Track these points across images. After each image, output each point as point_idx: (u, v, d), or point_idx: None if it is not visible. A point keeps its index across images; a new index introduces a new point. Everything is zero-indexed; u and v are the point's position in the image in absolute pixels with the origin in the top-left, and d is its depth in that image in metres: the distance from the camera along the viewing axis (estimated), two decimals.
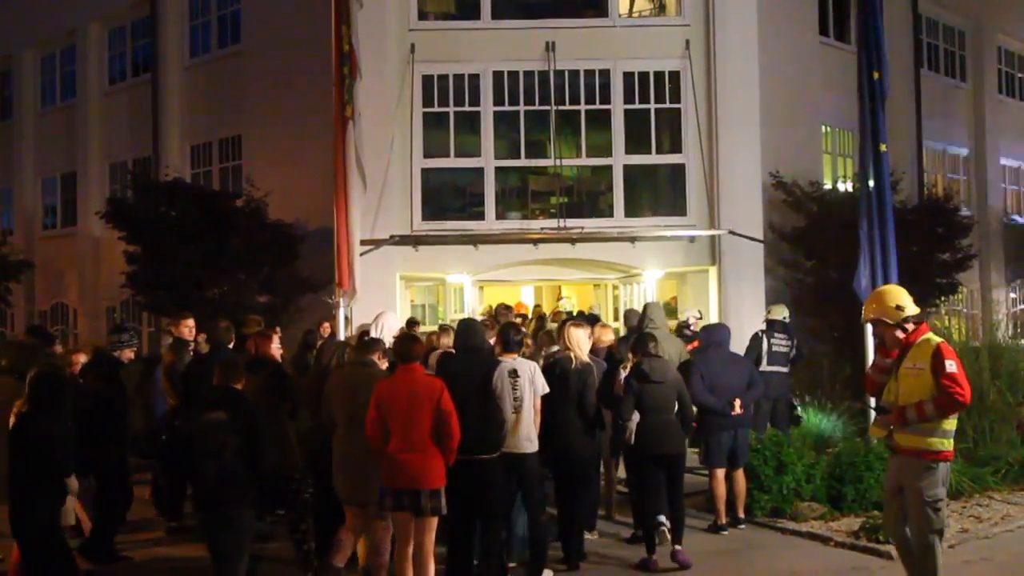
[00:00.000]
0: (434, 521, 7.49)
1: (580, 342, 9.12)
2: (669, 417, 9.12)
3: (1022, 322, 22.47)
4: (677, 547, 8.97)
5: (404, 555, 7.53)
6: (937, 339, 7.11)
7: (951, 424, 7.04)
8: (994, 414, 12.50)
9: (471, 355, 8.30)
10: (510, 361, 8.45)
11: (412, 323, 13.48)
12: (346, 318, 12.61)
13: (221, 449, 6.99)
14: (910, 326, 7.17)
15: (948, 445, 7.04)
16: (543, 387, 8.50)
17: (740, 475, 10.25)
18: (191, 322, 10.94)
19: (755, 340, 12.83)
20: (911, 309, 7.24)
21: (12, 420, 7.60)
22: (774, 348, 12.71)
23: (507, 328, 8.84)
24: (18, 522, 7.18)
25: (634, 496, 9.91)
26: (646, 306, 12.23)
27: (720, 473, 10.09)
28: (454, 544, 8.03)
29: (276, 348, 9.42)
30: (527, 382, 8.38)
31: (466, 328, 8.56)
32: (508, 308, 12.73)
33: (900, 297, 7.28)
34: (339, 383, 8.13)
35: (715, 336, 10.55)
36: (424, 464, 7.31)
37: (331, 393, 8.10)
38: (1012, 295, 25.22)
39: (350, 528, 8.02)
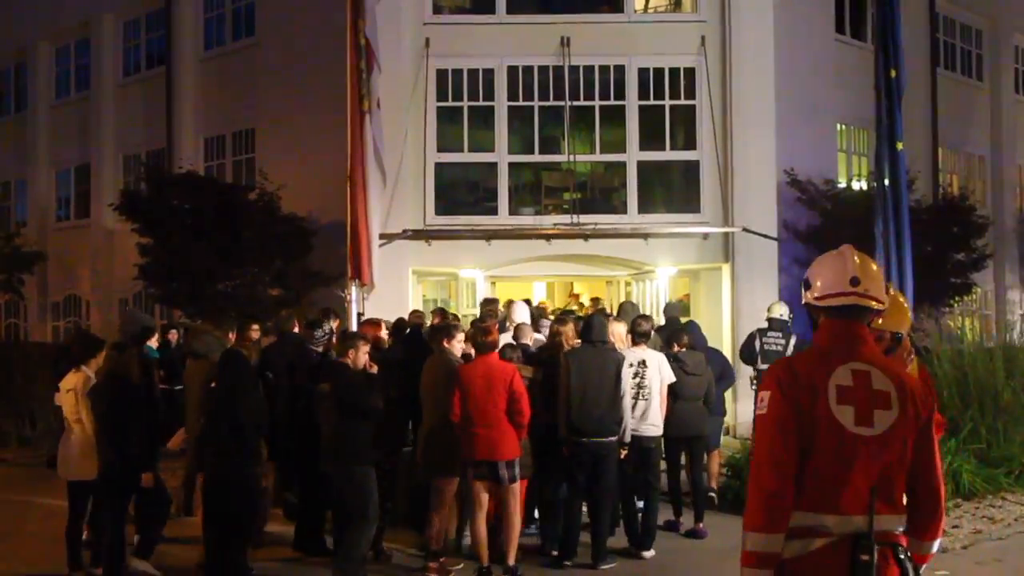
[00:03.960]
0: (516, 488, 8.31)
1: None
2: (699, 404, 9.96)
3: None
4: (700, 524, 9.80)
5: (480, 520, 8.37)
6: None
7: None
8: (1008, 415, 12.48)
9: (599, 347, 8.89)
10: (639, 352, 9.34)
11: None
12: (359, 314, 12.67)
13: (330, 417, 8.02)
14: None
15: None
16: (670, 376, 9.44)
17: (714, 456, 11.22)
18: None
19: (749, 339, 12.93)
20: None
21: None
22: (766, 347, 12.78)
23: (636, 321, 9.72)
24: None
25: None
26: (629, 304, 12.73)
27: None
28: (567, 519, 8.93)
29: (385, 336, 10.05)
30: (655, 372, 9.26)
31: (595, 323, 9.07)
32: (493, 301, 12.69)
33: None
34: (425, 369, 8.95)
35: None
36: (499, 439, 8.18)
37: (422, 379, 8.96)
38: None
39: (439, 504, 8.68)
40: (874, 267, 3.80)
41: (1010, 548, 9.46)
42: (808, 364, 3.64)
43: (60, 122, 25.43)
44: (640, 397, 9.13)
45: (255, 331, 11.06)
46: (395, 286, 15.74)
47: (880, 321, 4.84)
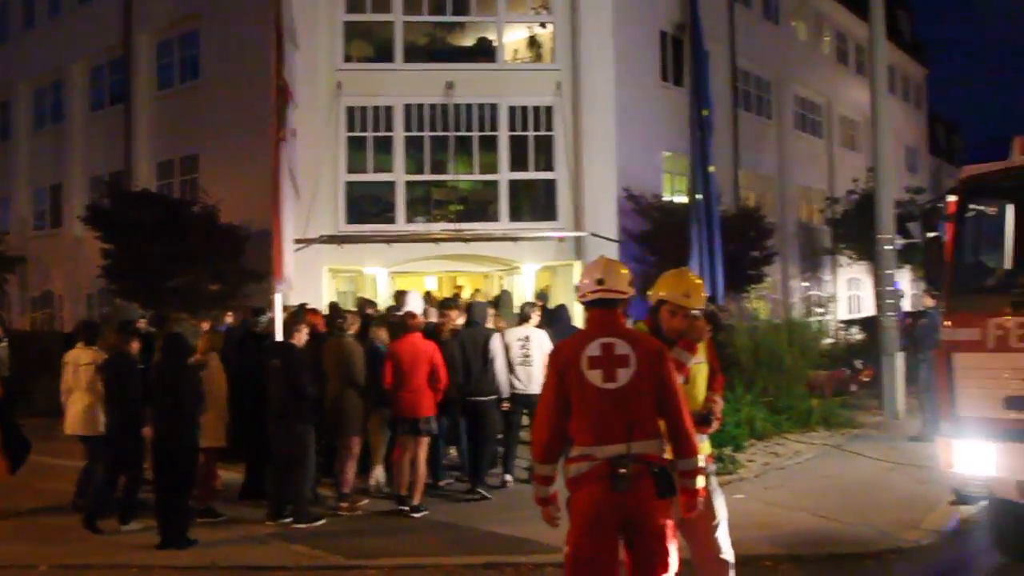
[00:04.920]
0: (427, 440, 8.38)
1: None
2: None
3: (811, 304, 22.99)
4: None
5: (404, 462, 8.35)
6: None
7: None
8: (790, 375, 12.71)
9: (476, 328, 9.30)
10: (524, 329, 9.38)
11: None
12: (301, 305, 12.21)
13: (279, 386, 7.90)
14: None
15: None
16: (550, 347, 8.97)
17: None
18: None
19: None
20: None
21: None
22: None
23: (524, 306, 9.93)
24: None
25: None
26: (506, 293, 12.60)
27: None
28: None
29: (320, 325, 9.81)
30: (537, 345, 9.21)
31: (476, 310, 9.59)
32: (404, 293, 12.29)
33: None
34: (325, 350, 8.71)
35: (556, 316, 10.89)
36: (420, 400, 8.24)
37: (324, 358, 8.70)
38: (804, 284, 25.84)
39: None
40: (620, 270, 4.18)
41: (791, 476, 9.57)
42: (571, 344, 4.05)
43: (38, 149, 24.19)
44: (527, 364, 9.16)
45: (228, 317, 11.14)
46: (313, 281, 15.30)
47: (688, 301, 4.64)
